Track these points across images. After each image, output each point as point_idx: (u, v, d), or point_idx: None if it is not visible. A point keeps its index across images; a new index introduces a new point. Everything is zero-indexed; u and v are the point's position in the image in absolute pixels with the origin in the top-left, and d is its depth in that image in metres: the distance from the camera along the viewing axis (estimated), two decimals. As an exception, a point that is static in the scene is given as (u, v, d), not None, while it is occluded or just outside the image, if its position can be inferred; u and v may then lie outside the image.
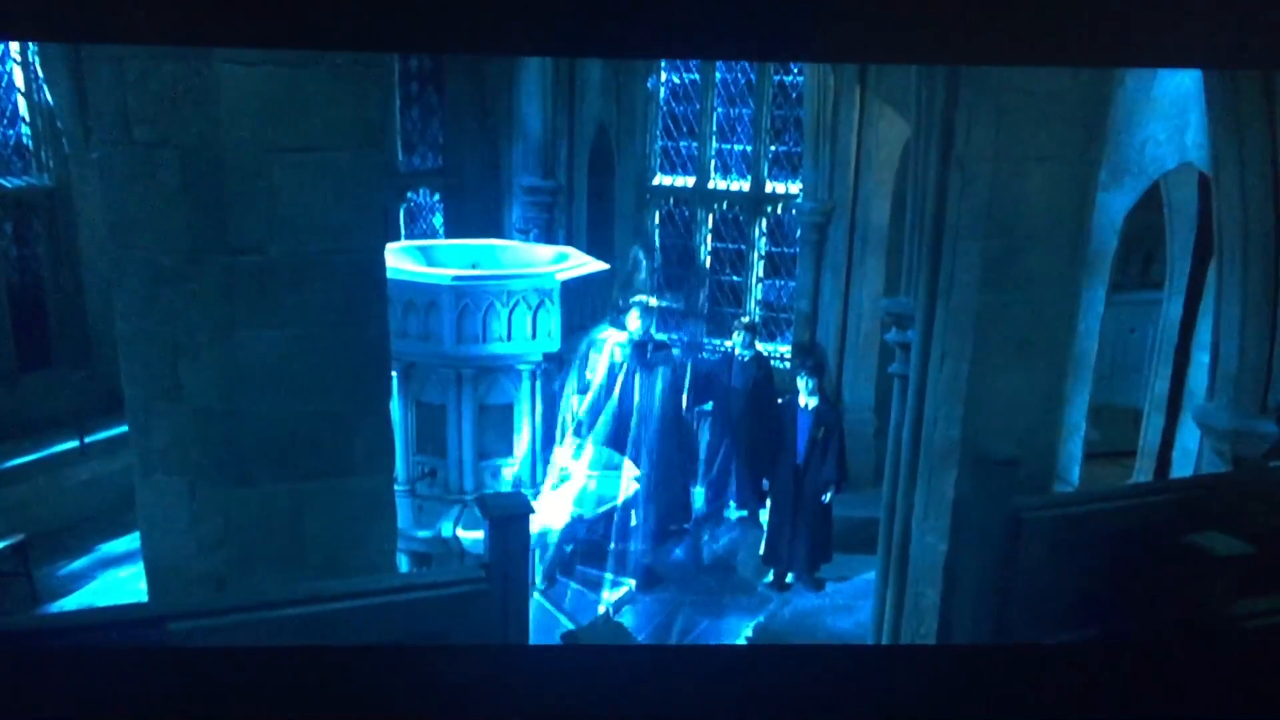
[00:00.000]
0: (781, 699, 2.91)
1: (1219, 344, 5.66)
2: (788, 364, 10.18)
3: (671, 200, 11.16)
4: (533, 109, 10.75)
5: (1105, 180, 6.49)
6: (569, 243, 9.95)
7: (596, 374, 8.10)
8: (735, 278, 11.02)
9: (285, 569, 3.87)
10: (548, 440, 7.37)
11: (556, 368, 7.26)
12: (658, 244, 11.10)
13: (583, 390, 7.98)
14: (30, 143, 8.84)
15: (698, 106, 10.86)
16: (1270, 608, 3.95)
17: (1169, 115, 7.21)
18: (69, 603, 7.36)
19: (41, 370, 8.91)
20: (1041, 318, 5.06)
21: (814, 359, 9.17)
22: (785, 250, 10.71)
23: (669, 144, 11.15)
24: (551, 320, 6.92)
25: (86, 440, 8.48)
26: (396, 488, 4.91)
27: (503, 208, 11.28)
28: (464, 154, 11.30)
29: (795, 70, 10.19)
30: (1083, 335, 6.94)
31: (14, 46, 8.50)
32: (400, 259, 7.19)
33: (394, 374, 5.83)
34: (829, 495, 7.87)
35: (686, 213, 11.10)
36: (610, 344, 8.07)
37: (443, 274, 6.97)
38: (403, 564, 6.70)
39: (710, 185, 10.93)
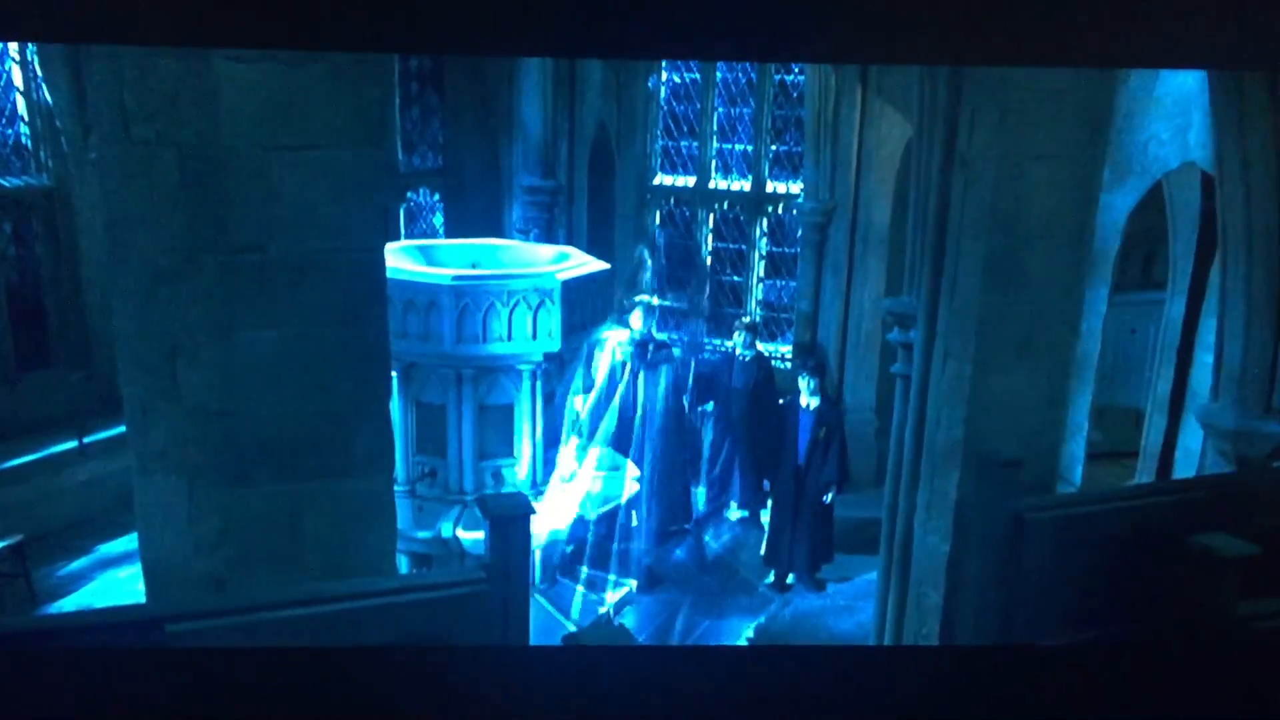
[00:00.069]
0: (783, 700, 2.90)
1: (1223, 344, 5.65)
2: (789, 364, 10.17)
3: (672, 200, 11.14)
4: (533, 108, 10.74)
5: (1108, 180, 6.47)
6: (569, 243, 9.92)
7: (599, 374, 8.08)
8: (736, 278, 11.00)
9: (284, 570, 3.85)
10: (549, 441, 7.35)
11: (557, 368, 7.25)
12: (661, 243, 11.08)
13: (587, 390, 7.97)
14: (29, 142, 8.83)
15: (698, 106, 10.84)
16: (1276, 609, 3.92)
17: (1172, 114, 7.18)
18: (67, 603, 7.34)
19: (40, 370, 8.90)
20: (1044, 318, 5.04)
21: (815, 359, 9.15)
22: (786, 250, 10.69)
23: (669, 144, 11.14)
24: (552, 320, 6.90)
25: (85, 440, 8.47)
26: (396, 488, 4.89)
27: (503, 207, 11.27)
28: (464, 154, 11.29)
29: (796, 70, 10.17)
30: (1085, 335, 6.92)
31: (13, 46, 8.48)
32: (400, 258, 7.18)
33: (394, 374, 5.81)
34: (830, 496, 7.85)
35: (687, 213, 11.09)
36: (611, 343, 8.05)
37: (443, 273, 6.95)
38: (403, 565, 6.68)
39: (711, 185, 10.92)
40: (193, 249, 3.59)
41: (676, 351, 8.72)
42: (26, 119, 8.78)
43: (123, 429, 4.16)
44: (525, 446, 7.14)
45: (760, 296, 10.92)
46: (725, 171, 10.92)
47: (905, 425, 5.56)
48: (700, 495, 9.03)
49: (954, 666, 3.37)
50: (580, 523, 7.38)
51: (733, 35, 2.56)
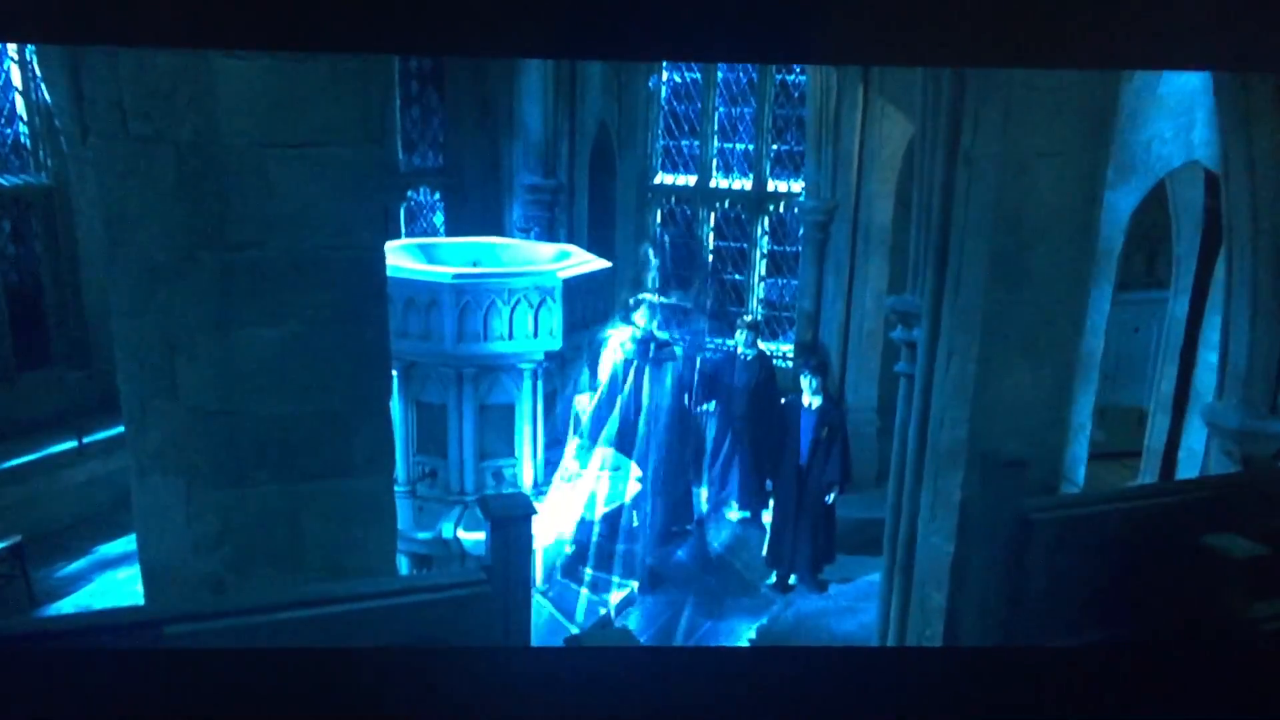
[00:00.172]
0: (785, 702, 2.87)
1: (1228, 343, 5.62)
2: (790, 363, 10.14)
3: (673, 199, 11.12)
4: (533, 108, 10.71)
5: (1111, 179, 6.44)
6: (570, 241, 9.89)
7: (602, 373, 8.06)
8: (737, 276, 10.98)
9: (284, 571, 3.81)
10: (551, 440, 7.32)
11: (558, 366, 7.22)
12: (666, 242, 11.06)
13: (592, 389, 7.94)
14: (28, 141, 8.81)
15: (699, 105, 10.82)
16: (1282, 610, 3.90)
17: (1175, 113, 7.17)
18: (66, 604, 7.31)
19: (39, 370, 8.87)
20: (1049, 316, 5.01)
21: (817, 358, 9.12)
22: (787, 249, 10.67)
23: (670, 143, 11.12)
24: (553, 318, 6.86)
25: (84, 440, 8.43)
26: (396, 488, 4.87)
27: (503, 206, 11.24)
28: (464, 153, 11.26)
29: (798, 70, 10.16)
30: (1088, 334, 6.89)
31: (12, 46, 8.46)
32: (401, 257, 7.15)
33: (394, 373, 5.78)
34: (832, 496, 7.83)
35: (688, 211, 11.06)
36: (614, 342, 8.02)
37: (444, 272, 6.91)
38: (403, 566, 6.66)
39: (712, 184, 10.89)
40: (191, 247, 3.55)
41: (679, 350, 8.70)
42: (25, 118, 8.76)
43: (121, 429, 4.12)
44: (526, 446, 7.11)
45: (762, 295, 10.90)
46: (726, 170, 10.89)
47: (909, 424, 5.52)
48: (702, 495, 9.00)
49: (958, 668, 3.34)
50: (583, 524, 7.35)
51: (734, 37, 2.53)
